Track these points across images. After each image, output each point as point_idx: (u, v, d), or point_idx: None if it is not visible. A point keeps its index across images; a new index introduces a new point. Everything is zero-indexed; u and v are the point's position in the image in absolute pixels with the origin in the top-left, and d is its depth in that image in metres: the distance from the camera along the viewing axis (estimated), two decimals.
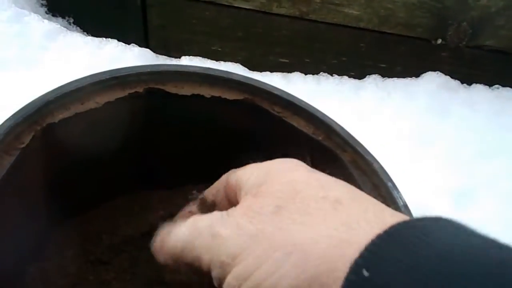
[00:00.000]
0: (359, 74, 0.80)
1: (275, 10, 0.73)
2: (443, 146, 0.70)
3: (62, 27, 0.74)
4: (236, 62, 0.79)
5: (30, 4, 0.75)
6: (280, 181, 0.22)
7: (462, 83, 0.81)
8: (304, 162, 0.25)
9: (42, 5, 0.78)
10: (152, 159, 0.41)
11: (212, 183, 0.42)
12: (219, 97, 0.38)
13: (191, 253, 0.22)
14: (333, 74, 0.80)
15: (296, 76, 0.78)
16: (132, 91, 0.36)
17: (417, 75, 0.80)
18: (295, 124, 0.38)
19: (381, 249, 0.17)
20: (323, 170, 0.25)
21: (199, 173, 0.41)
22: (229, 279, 0.20)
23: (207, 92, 0.38)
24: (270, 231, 0.20)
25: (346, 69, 0.80)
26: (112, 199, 0.41)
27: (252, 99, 0.38)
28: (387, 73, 0.80)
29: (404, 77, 0.80)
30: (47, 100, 0.32)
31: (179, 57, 0.78)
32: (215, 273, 0.21)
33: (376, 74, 0.80)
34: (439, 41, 0.76)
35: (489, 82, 0.81)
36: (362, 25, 0.75)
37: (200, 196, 0.29)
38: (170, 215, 0.41)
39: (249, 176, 0.24)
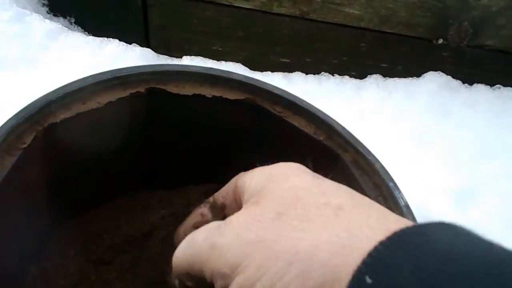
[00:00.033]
0: (360, 74, 0.80)
1: (275, 9, 0.73)
2: (444, 146, 0.70)
3: (64, 27, 0.74)
4: (237, 62, 0.79)
5: (31, 4, 0.75)
6: (281, 187, 0.22)
7: (463, 83, 0.81)
8: (305, 162, 0.25)
9: (44, 4, 0.78)
10: (153, 159, 0.41)
11: (212, 184, 0.42)
12: (220, 97, 0.38)
13: (194, 267, 0.22)
14: (334, 74, 0.80)
15: (297, 76, 0.78)
16: (134, 91, 0.36)
17: (418, 75, 0.80)
18: (296, 124, 0.38)
19: (384, 255, 0.16)
20: (324, 170, 0.25)
21: (200, 173, 0.42)
22: None
23: (208, 92, 0.38)
24: (271, 239, 0.19)
25: (347, 69, 0.80)
26: (113, 199, 0.41)
27: (253, 99, 0.38)
28: (388, 73, 0.80)
29: (405, 77, 0.80)
30: (49, 100, 0.32)
31: (180, 57, 0.78)
32: (218, 285, 0.21)
33: (377, 74, 0.80)
34: (440, 40, 0.76)
35: (490, 82, 0.81)
36: (363, 24, 0.75)
37: (211, 199, 0.29)
38: (171, 215, 0.41)
39: (251, 180, 0.24)
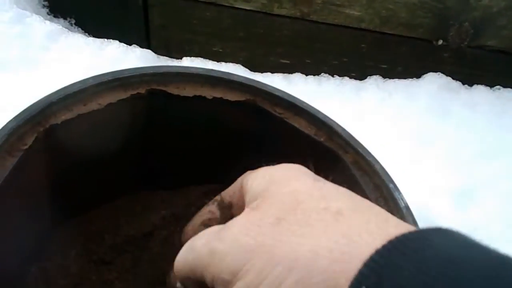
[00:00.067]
0: (360, 75, 0.80)
1: (276, 11, 0.74)
2: (443, 147, 0.70)
3: (64, 28, 0.74)
4: (237, 63, 0.79)
5: (31, 5, 0.76)
6: (282, 190, 0.22)
7: (463, 83, 0.81)
8: (306, 164, 0.25)
9: (44, 6, 0.78)
10: (154, 160, 0.41)
11: (212, 184, 0.42)
12: (221, 98, 0.38)
13: (194, 272, 0.22)
14: (334, 75, 0.80)
15: (297, 77, 0.78)
16: (134, 92, 0.36)
17: (418, 75, 0.80)
18: (296, 125, 0.38)
19: (380, 264, 0.16)
20: (325, 171, 0.25)
21: (200, 173, 0.42)
22: None
23: (208, 93, 0.38)
24: (270, 244, 0.19)
25: (347, 70, 0.80)
26: (114, 199, 0.41)
27: (253, 100, 0.38)
28: (388, 74, 0.80)
29: (405, 78, 0.80)
30: (50, 102, 0.32)
31: (180, 58, 0.78)
32: None
33: (377, 75, 0.80)
34: (441, 41, 0.77)
35: (490, 83, 0.81)
36: (363, 25, 0.75)
37: (218, 197, 0.29)
38: (172, 215, 0.41)
39: (252, 182, 0.24)
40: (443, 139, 0.71)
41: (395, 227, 0.19)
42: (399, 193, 0.33)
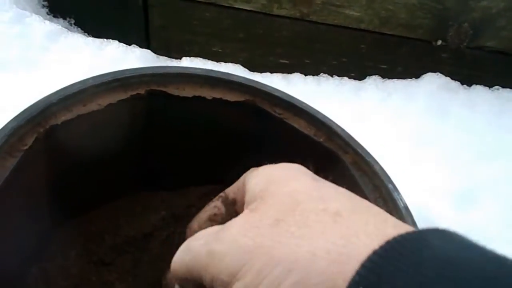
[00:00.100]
0: (359, 75, 0.80)
1: (275, 11, 0.74)
2: (443, 147, 0.70)
3: (63, 28, 0.74)
4: (236, 63, 0.79)
5: (31, 5, 0.76)
6: (281, 191, 0.22)
7: (462, 84, 0.81)
8: (306, 164, 0.25)
9: (43, 6, 0.78)
10: (154, 160, 0.41)
11: (212, 185, 0.42)
12: (220, 98, 0.38)
13: (192, 273, 0.22)
14: (333, 75, 0.80)
15: (297, 77, 0.79)
16: (134, 93, 0.36)
17: (417, 76, 0.80)
18: (296, 125, 0.38)
19: (378, 265, 0.16)
20: (325, 172, 0.25)
21: (200, 174, 0.42)
22: None
23: (208, 93, 0.38)
24: (269, 245, 0.19)
25: (347, 70, 0.80)
26: (114, 200, 0.41)
27: (253, 101, 0.38)
28: (387, 74, 0.80)
29: (404, 78, 0.80)
30: (50, 102, 0.32)
31: (180, 58, 0.78)
32: None
33: (376, 75, 0.80)
34: (440, 42, 0.77)
35: (489, 83, 0.82)
36: (362, 26, 0.75)
37: (223, 193, 0.29)
38: (172, 216, 0.41)
39: (252, 180, 0.24)
40: (442, 139, 0.71)
41: (393, 228, 0.19)
42: (398, 193, 0.33)
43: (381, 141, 0.66)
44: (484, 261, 0.16)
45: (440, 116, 0.75)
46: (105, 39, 0.74)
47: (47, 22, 0.72)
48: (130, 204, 0.41)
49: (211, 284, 0.21)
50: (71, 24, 0.79)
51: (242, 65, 0.78)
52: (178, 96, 0.37)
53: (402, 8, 0.73)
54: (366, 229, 0.19)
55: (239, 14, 0.75)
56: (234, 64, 0.78)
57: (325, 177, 0.24)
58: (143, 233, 0.39)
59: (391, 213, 0.26)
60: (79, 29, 0.79)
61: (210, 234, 0.22)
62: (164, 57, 0.79)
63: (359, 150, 0.35)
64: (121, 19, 0.77)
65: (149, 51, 0.76)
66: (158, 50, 0.78)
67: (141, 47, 0.75)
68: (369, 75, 0.80)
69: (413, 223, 0.31)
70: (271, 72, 0.79)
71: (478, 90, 0.81)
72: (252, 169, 0.26)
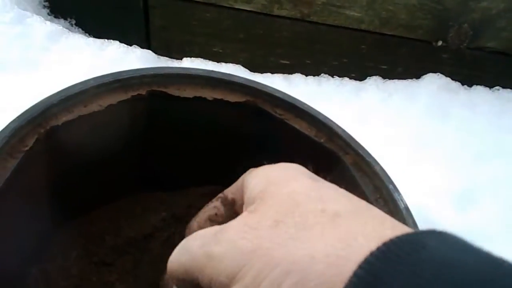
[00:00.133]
0: (360, 75, 0.80)
1: (276, 12, 0.74)
2: (443, 147, 0.70)
3: (64, 29, 0.74)
4: (237, 64, 0.79)
5: (32, 6, 0.76)
6: (280, 192, 0.22)
7: (463, 84, 0.81)
8: (306, 165, 0.25)
9: (44, 6, 0.78)
10: (154, 161, 0.41)
11: (212, 186, 0.42)
12: (221, 99, 0.38)
13: (189, 275, 0.22)
14: (334, 76, 0.80)
15: (297, 78, 0.79)
16: (135, 93, 0.36)
17: (418, 76, 0.80)
18: (297, 126, 0.38)
19: (375, 266, 0.16)
20: (325, 172, 0.25)
21: (200, 175, 0.42)
22: None
23: (209, 94, 0.38)
24: (268, 247, 0.19)
25: (347, 71, 0.80)
26: (114, 201, 0.41)
27: (254, 102, 0.38)
28: (388, 75, 0.80)
29: (405, 79, 0.80)
30: (51, 103, 0.32)
31: (181, 59, 0.78)
32: None
33: (377, 76, 0.80)
34: (440, 42, 0.77)
35: (489, 84, 0.82)
36: (363, 27, 0.75)
37: (222, 194, 0.29)
38: (172, 216, 0.41)
39: (251, 180, 0.24)
40: (442, 140, 0.71)
41: (392, 230, 0.19)
42: (399, 194, 0.33)
43: (382, 142, 0.66)
44: (480, 263, 0.16)
45: (440, 116, 0.75)
46: (106, 40, 0.74)
47: (48, 22, 0.72)
48: (130, 205, 0.41)
49: (209, 286, 0.21)
50: (72, 25, 0.79)
51: (243, 66, 0.78)
52: (179, 97, 0.37)
53: (402, 8, 0.73)
54: (364, 231, 0.19)
55: (239, 15, 0.75)
56: (234, 64, 0.78)
57: (325, 178, 0.24)
58: (144, 234, 0.39)
59: (391, 214, 0.26)
60: (80, 29, 0.79)
61: (208, 235, 0.22)
62: (164, 57, 0.79)
63: (360, 151, 0.35)
64: (122, 19, 0.77)
65: (149, 51, 0.76)
66: (159, 51, 0.78)
67: (141, 47, 0.75)
68: (370, 76, 0.80)
69: (414, 224, 0.31)
70: (272, 73, 0.79)
71: (479, 91, 0.81)
72: (251, 170, 0.26)
